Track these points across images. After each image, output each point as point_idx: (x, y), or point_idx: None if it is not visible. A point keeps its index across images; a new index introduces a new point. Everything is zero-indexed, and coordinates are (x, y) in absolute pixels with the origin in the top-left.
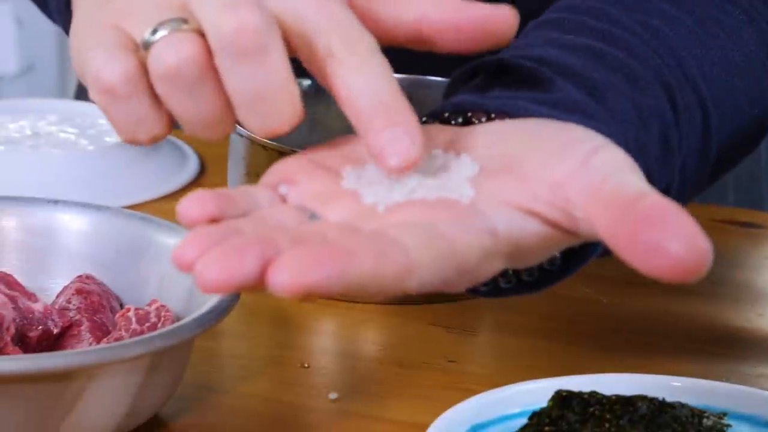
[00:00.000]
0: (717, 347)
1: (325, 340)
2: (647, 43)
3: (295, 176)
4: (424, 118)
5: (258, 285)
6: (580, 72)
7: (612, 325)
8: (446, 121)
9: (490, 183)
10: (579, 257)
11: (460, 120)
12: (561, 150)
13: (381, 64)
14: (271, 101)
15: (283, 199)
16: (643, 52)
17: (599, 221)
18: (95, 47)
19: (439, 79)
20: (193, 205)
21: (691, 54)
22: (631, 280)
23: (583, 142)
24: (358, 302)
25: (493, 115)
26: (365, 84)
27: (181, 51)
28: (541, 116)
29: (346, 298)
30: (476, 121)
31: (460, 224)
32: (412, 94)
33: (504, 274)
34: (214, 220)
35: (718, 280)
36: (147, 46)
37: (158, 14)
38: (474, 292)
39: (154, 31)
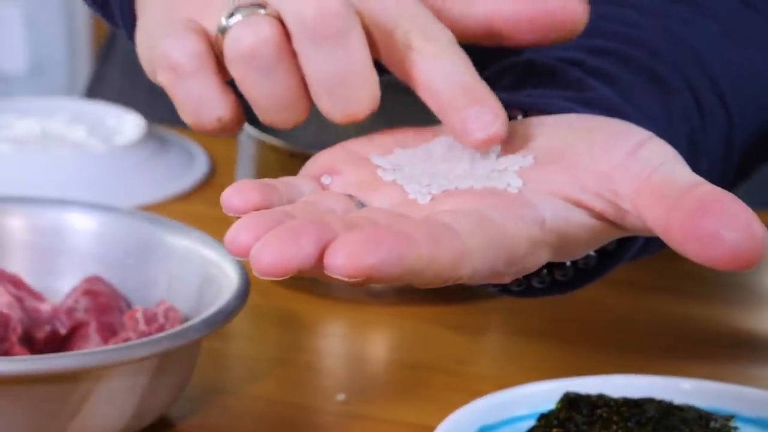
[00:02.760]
0: (726, 349)
1: (332, 341)
2: (671, 46)
3: (338, 166)
4: None
5: (315, 268)
6: (607, 72)
7: (620, 327)
8: None
9: (536, 174)
10: (613, 257)
11: None
12: (608, 141)
13: (460, 52)
14: (350, 85)
15: (325, 190)
16: (668, 55)
17: (650, 212)
18: (166, 35)
19: None
20: (236, 194)
21: (714, 58)
22: (640, 282)
23: (630, 135)
24: (365, 303)
25: (527, 112)
26: (446, 69)
27: (258, 32)
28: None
29: (397, 283)
30: (511, 119)
31: (509, 213)
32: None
33: (537, 273)
34: (258, 210)
35: (728, 283)
36: (223, 30)
37: (234, 4)
38: (507, 291)
39: (231, 15)
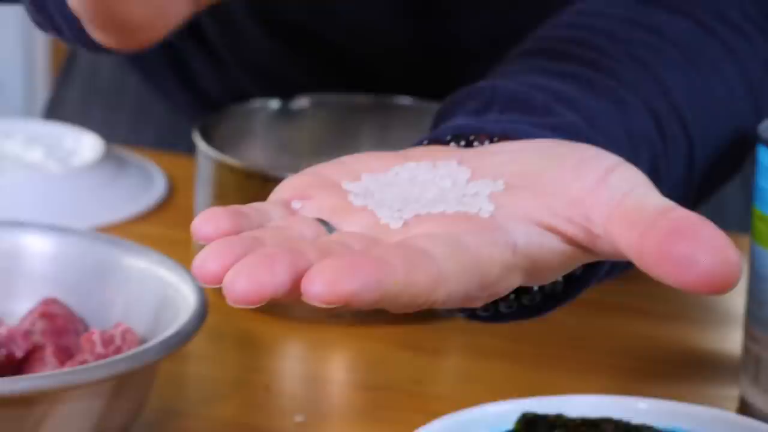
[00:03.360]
0: (683, 369)
1: (291, 362)
2: (634, 72)
3: (309, 191)
4: (425, 142)
5: (289, 295)
6: (572, 98)
7: (579, 347)
8: (446, 145)
9: (508, 199)
10: (579, 282)
11: (462, 144)
12: (578, 167)
13: None
14: None
15: (296, 215)
16: (631, 81)
17: (623, 238)
18: None
19: (405, 99)
20: (206, 222)
21: (675, 83)
22: (600, 301)
23: (600, 160)
24: (323, 323)
25: (495, 139)
26: None
27: None
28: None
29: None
30: (478, 145)
31: (482, 238)
32: (378, 113)
33: (505, 298)
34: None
35: (687, 302)
36: None
37: None
38: (475, 317)
39: None
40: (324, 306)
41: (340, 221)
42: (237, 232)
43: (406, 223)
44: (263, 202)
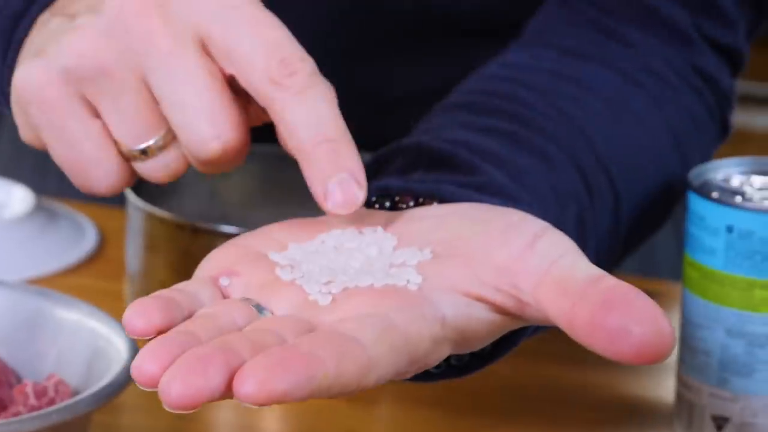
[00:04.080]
0: (618, 416)
1: (226, 411)
2: (560, 126)
3: (235, 266)
4: None
5: (224, 396)
6: (498, 155)
7: (513, 395)
8: (372, 206)
9: (435, 268)
10: (508, 342)
11: (387, 204)
12: (504, 234)
13: (323, 91)
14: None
15: (224, 292)
16: (557, 135)
17: (552, 307)
18: None
19: None
20: (137, 316)
21: (601, 136)
22: (534, 349)
23: (526, 226)
24: None
25: (421, 200)
26: (307, 115)
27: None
28: (469, 200)
29: None
30: (404, 206)
31: (411, 314)
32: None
33: None
34: (161, 331)
35: None
36: None
37: None
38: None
39: None
40: (256, 405)
41: (269, 299)
42: (169, 324)
43: (334, 299)
44: (190, 281)
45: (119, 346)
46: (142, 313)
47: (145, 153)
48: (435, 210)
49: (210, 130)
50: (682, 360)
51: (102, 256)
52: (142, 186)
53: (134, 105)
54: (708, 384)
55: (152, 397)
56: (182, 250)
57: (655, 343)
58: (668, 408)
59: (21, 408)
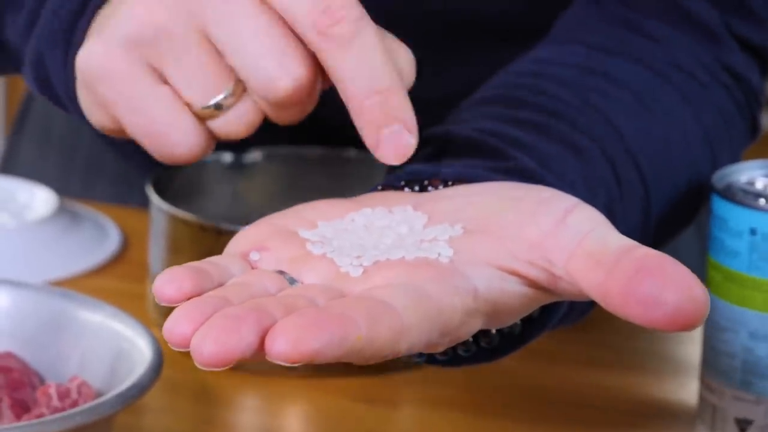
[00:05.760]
0: (639, 419)
1: (248, 414)
2: (589, 117)
3: (266, 242)
4: (379, 187)
5: (256, 356)
6: (527, 143)
7: (535, 397)
8: (401, 190)
9: (466, 243)
10: (537, 324)
11: (416, 189)
12: (536, 209)
13: (370, 37)
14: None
15: (254, 267)
16: (586, 126)
17: (586, 278)
18: None
19: (355, 151)
20: (168, 283)
21: (630, 129)
22: (552, 351)
23: (557, 201)
24: (279, 375)
25: (450, 183)
26: (356, 68)
27: None
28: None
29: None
30: (433, 190)
31: (443, 285)
32: (329, 165)
33: (463, 342)
34: (191, 298)
35: (639, 351)
36: None
37: None
38: (433, 361)
39: None
40: (288, 365)
41: (301, 271)
42: (200, 292)
43: (366, 271)
44: (220, 255)
45: (142, 347)
46: (173, 280)
47: (218, 108)
48: (464, 189)
49: (278, 68)
50: (705, 362)
51: (125, 257)
52: (165, 188)
53: (198, 61)
54: (731, 387)
55: (175, 400)
56: (206, 251)
57: (689, 310)
58: (691, 410)
59: (44, 410)
